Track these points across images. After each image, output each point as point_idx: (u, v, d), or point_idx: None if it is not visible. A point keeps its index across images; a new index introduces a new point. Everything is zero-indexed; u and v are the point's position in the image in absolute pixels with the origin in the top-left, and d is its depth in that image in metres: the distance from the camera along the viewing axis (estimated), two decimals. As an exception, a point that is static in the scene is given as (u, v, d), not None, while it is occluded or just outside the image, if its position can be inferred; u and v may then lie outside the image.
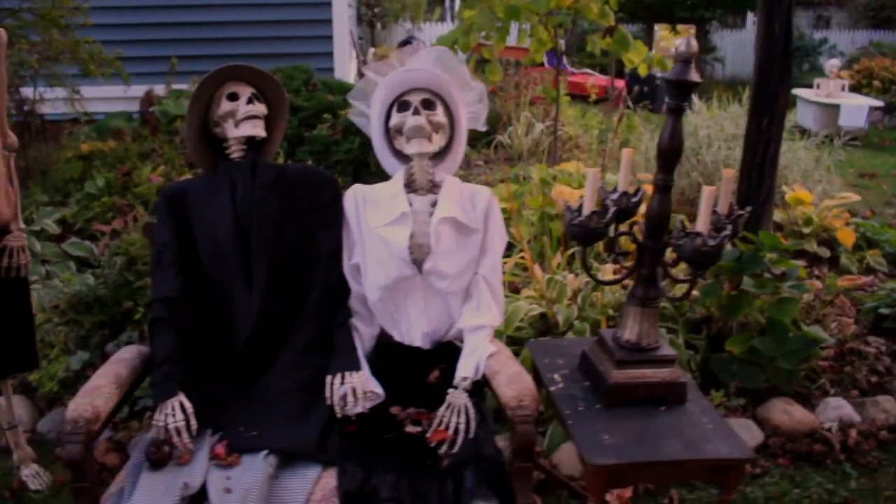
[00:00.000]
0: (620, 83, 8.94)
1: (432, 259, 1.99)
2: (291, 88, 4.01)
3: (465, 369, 1.94)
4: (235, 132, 2.06)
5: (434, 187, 2.08)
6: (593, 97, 6.82)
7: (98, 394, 1.76)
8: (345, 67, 5.49)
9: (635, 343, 1.95)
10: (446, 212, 2.01)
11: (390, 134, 2.11)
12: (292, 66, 4.42)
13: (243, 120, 2.06)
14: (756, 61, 3.60)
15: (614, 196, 1.96)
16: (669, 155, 1.87)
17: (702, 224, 1.76)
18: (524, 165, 5.55)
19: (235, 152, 2.09)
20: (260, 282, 1.99)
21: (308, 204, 2.10)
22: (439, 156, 2.12)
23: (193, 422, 1.78)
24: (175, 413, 1.77)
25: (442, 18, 17.56)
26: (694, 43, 1.79)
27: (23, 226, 2.34)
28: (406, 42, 13.10)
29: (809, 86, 9.47)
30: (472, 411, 1.87)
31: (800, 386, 2.96)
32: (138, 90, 4.65)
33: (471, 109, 2.15)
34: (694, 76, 1.79)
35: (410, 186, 2.07)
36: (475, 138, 6.20)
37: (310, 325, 2.02)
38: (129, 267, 3.10)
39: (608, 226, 1.86)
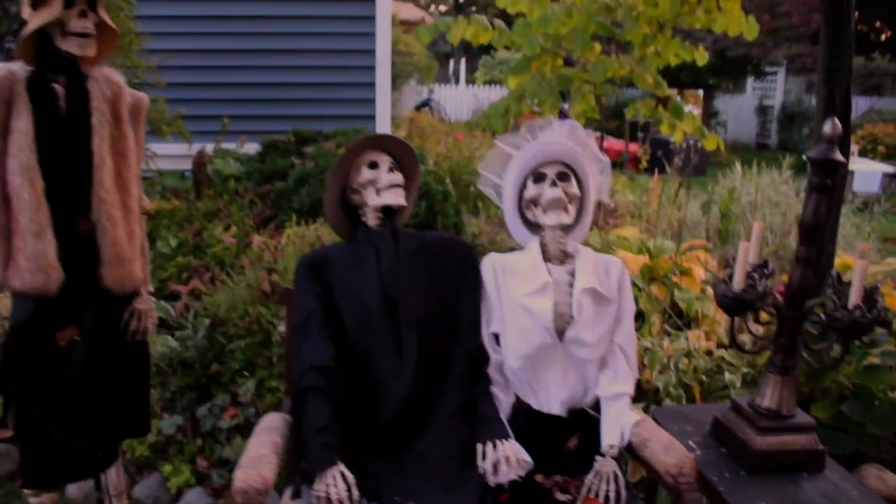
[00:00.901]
0: (634, 147, 9.15)
1: (574, 328, 2.03)
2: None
3: (611, 436, 1.97)
4: (377, 200, 2.11)
5: (565, 257, 2.13)
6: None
7: (263, 463, 1.76)
8: (386, 129, 5.60)
9: (775, 410, 1.99)
10: (587, 282, 2.06)
11: (523, 204, 2.17)
12: (353, 129, 4.50)
13: (386, 188, 2.11)
14: (816, 133, 3.71)
15: (747, 269, 2.02)
16: (812, 230, 1.95)
17: (855, 296, 1.82)
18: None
19: (372, 219, 2.13)
20: (410, 349, 2.01)
21: (449, 272, 2.14)
22: (569, 226, 2.17)
23: (355, 492, 1.79)
24: (337, 483, 1.78)
25: (449, 80, 17.95)
26: (838, 124, 1.87)
27: (151, 288, 2.35)
28: (425, 104, 13.36)
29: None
30: (621, 479, 1.89)
31: (889, 452, 2.99)
32: (180, 148, 4.72)
33: (597, 181, 2.22)
34: (838, 156, 1.87)
35: (544, 256, 2.12)
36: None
37: (455, 393, 2.05)
38: (215, 329, 3.11)
39: (761, 298, 1.91)
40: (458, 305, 2.12)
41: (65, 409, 2.14)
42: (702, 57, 4.70)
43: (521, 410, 2.11)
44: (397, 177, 2.14)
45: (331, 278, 2.08)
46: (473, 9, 21.94)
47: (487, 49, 18.30)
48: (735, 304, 1.91)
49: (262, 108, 5.27)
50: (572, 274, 2.09)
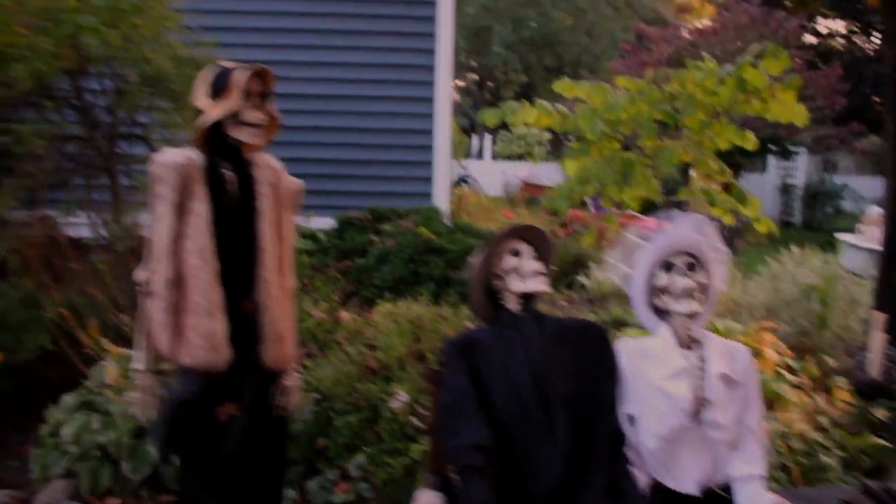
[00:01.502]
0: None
1: (711, 411, 2.14)
2: (432, 230, 4.25)
3: (753, 517, 2.06)
4: (521, 286, 2.24)
5: (693, 342, 2.25)
6: (642, 240, 7.11)
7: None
8: (444, 205, 5.76)
9: (909, 496, 2.08)
10: (720, 367, 2.18)
11: (652, 291, 2.31)
12: (427, 209, 4.68)
13: (530, 275, 2.25)
14: (887, 218, 3.87)
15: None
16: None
17: None
18: (616, 307, 5.73)
19: (513, 304, 2.27)
20: (563, 432, 2.12)
21: (587, 354, 2.26)
22: (696, 313, 2.29)
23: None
24: (501, 559, 1.86)
25: (479, 155, 18.35)
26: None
27: (296, 365, 2.47)
28: (463, 179, 13.68)
29: (837, 230, 9.82)
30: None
31: None
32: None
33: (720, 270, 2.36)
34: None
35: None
36: (555, 279, 6.41)
37: (601, 472, 2.14)
38: (320, 403, 3.20)
39: (897, 385, 2.03)
40: (598, 386, 2.24)
41: (222, 480, 2.24)
42: (751, 142, 4.90)
43: (657, 490, 2.20)
44: (539, 264, 2.28)
45: (479, 360, 2.20)
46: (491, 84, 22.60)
47: (505, 124, 18.68)
48: (873, 390, 2.02)
49: (329, 183, 5.43)
50: (702, 359, 2.21)
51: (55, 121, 3.79)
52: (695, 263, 2.28)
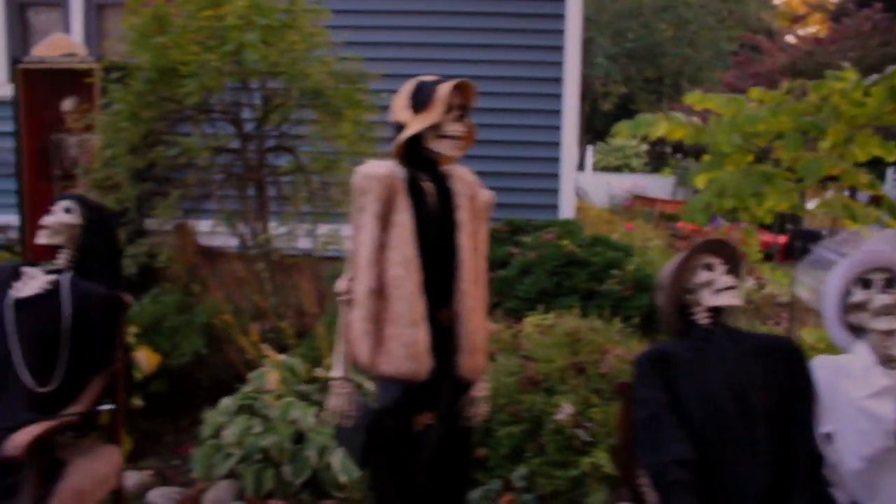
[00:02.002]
0: (782, 239, 9.11)
1: (918, 432, 2.05)
2: (576, 243, 4.23)
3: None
4: (713, 301, 2.21)
5: (890, 361, 2.17)
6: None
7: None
8: (570, 216, 5.72)
9: None
10: None
11: (846, 308, 2.24)
12: (565, 221, 4.68)
13: (723, 290, 2.21)
14: None
15: None
16: None
17: None
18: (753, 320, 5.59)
19: (703, 318, 2.24)
20: (765, 450, 2.07)
21: (782, 370, 2.20)
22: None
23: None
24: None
25: (580, 167, 18.20)
26: None
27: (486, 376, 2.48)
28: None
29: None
30: None
31: None
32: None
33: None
34: None
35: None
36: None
37: (804, 493, 2.08)
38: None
39: None
40: (794, 403, 2.18)
41: (416, 489, 2.26)
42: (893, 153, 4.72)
43: (865, 513, 2.13)
44: (731, 278, 2.24)
45: (675, 374, 2.17)
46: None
47: (601, 136, 18.69)
48: None
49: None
50: None
51: (211, 133, 3.93)
52: (892, 280, 2.21)
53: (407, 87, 2.28)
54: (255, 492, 3.24)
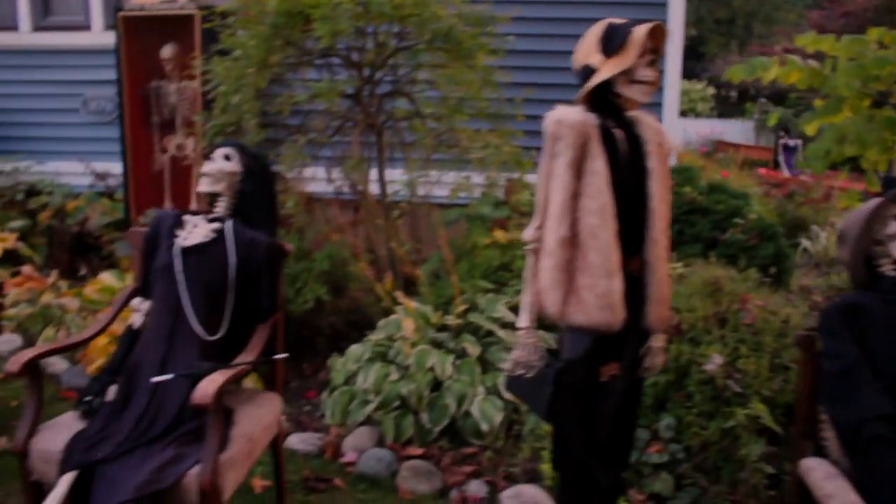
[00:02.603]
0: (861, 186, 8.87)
1: None
2: (696, 190, 4.13)
3: None
4: None
5: None
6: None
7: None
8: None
9: None
10: None
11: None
12: (682, 168, 4.56)
13: None
14: None
15: None
16: None
17: None
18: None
19: (892, 271, 2.17)
20: None
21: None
22: None
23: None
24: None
25: None
26: None
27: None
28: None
29: None
30: None
31: None
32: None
33: None
34: None
35: None
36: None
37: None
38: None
39: None
40: None
41: (599, 440, 2.25)
42: None
43: None
44: None
45: (863, 327, 2.12)
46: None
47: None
48: None
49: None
50: None
51: (337, 79, 3.87)
52: None
53: (596, 30, 2.19)
54: (394, 438, 3.27)
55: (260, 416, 2.59)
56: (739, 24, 18.62)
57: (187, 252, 2.54)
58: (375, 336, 3.62)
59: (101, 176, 5.91)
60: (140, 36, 5.40)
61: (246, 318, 2.60)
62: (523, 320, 2.23)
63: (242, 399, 2.65)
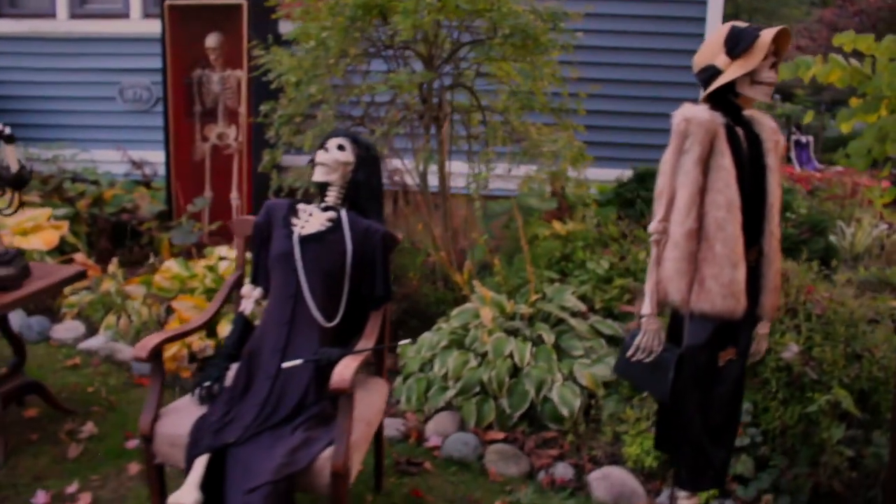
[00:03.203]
0: (886, 184, 9.10)
1: None
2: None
3: None
4: None
5: None
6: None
7: None
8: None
9: None
10: None
11: None
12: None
13: None
14: None
15: None
16: None
17: None
18: (877, 269, 5.62)
19: None
20: None
21: None
22: None
23: None
24: None
25: None
26: None
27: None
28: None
29: None
30: None
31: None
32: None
33: None
34: None
35: None
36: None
37: None
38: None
39: None
40: None
41: (715, 422, 2.37)
42: None
43: None
44: None
45: None
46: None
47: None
48: None
49: (604, 135, 5.41)
50: None
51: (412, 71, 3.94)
52: None
53: (721, 32, 2.30)
54: (476, 423, 3.37)
55: (372, 402, 2.68)
56: (743, 18, 18.75)
57: (305, 240, 2.61)
58: (448, 324, 3.71)
59: (138, 164, 5.94)
60: (185, 25, 5.44)
61: (358, 305, 2.68)
62: (647, 307, 2.34)
63: (355, 385, 2.73)
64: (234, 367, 2.63)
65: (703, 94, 2.32)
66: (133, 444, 3.25)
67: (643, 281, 3.80)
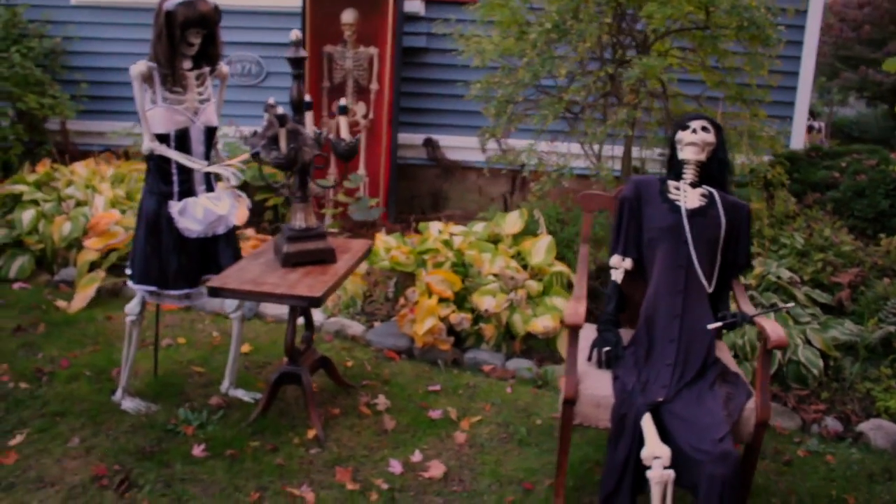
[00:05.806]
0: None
1: None
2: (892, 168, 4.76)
3: None
4: None
5: None
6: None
7: None
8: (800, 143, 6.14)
9: None
10: None
11: None
12: (870, 148, 5.15)
13: None
14: None
15: None
16: None
17: None
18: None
19: None
20: None
21: None
22: None
23: None
24: None
25: None
26: None
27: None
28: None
29: None
30: None
31: None
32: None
33: None
34: None
35: None
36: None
37: None
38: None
39: None
40: None
41: None
42: None
43: None
44: None
45: None
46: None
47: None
48: None
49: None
50: None
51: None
52: None
53: None
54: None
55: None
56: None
57: (691, 214, 2.83)
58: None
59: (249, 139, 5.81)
60: (325, 1, 5.41)
61: (726, 272, 2.92)
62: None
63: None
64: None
65: None
66: (436, 413, 3.34)
67: (839, 256, 4.22)
